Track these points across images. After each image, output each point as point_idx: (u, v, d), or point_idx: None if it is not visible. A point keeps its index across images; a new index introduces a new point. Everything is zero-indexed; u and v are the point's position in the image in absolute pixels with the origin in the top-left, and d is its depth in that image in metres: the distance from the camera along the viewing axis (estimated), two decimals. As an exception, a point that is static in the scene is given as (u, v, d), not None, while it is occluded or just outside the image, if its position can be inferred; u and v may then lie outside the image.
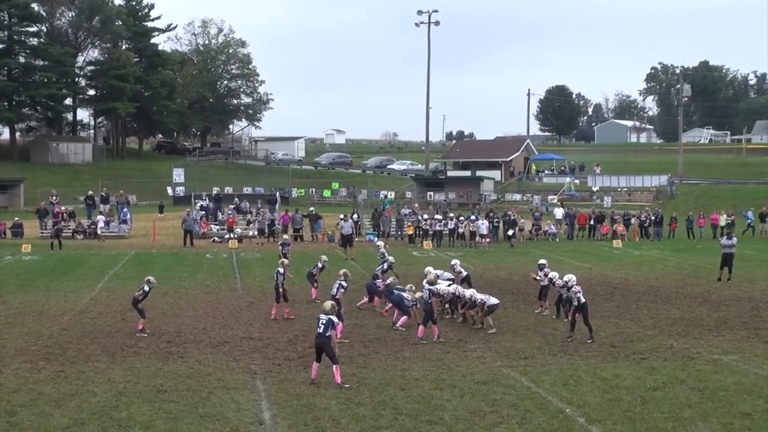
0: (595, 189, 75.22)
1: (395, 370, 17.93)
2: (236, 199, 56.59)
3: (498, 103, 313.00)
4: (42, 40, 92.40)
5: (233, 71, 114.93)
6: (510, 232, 46.06)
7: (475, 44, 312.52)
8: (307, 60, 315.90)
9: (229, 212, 50.11)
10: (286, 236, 38.98)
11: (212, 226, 49.34)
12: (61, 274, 32.93)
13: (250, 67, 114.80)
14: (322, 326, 16.59)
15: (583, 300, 20.79)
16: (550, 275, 24.15)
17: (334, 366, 16.51)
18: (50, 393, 16.08)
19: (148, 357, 19.12)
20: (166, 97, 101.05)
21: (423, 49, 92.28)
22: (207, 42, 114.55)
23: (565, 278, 21.87)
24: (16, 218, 50.19)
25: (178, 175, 75.81)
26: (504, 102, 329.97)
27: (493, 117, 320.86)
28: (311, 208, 51.58)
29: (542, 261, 25.68)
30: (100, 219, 48.93)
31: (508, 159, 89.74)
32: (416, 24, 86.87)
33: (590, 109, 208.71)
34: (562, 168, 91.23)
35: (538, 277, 24.43)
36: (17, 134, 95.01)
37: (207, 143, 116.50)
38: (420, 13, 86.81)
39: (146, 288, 21.91)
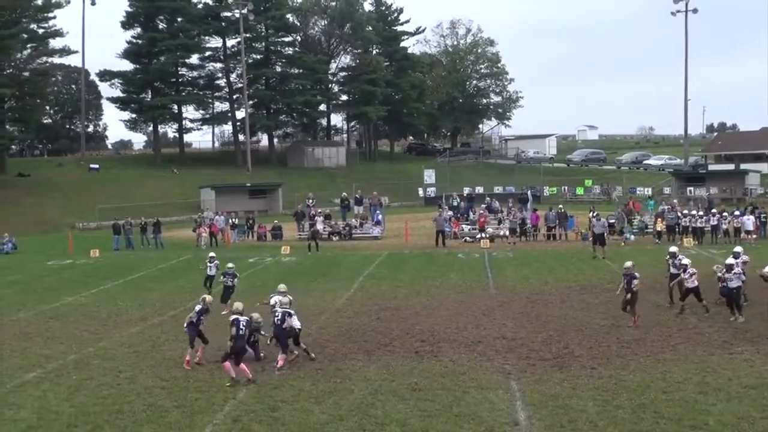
0: None
1: (655, 372, 17.16)
2: (487, 198, 56.50)
3: (764, 90, 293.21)
4: (296, 49, 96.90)
5: (482, 71, 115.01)
6: (782, 228, 43.03)
7: (736, 28, 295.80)
8: (556, 55, 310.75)
9: (481, 212, 50.09)
10: None
11: (463, 226, 49.47)
12: (318, 275, 34.02)
13: (499, 65, 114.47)
14: None
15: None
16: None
17: None
18: (309, 390, 16.54)
19: (402, 356, 19.28)
20: (416, 100, 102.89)
21: (678, 37, 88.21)
22: (455, 43, 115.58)
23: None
24: (276, 221, 52.73)
25: (429, 175, 76.89)
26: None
27: (759, 105, 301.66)
28: (560, 206, 50.49)
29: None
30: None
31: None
32: (672, 13, 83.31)
33: None
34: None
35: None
36: (275, 141, 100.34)
37: (457, 143, 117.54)
38: (677, 1, 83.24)
39: (198, 307, 19.31)
